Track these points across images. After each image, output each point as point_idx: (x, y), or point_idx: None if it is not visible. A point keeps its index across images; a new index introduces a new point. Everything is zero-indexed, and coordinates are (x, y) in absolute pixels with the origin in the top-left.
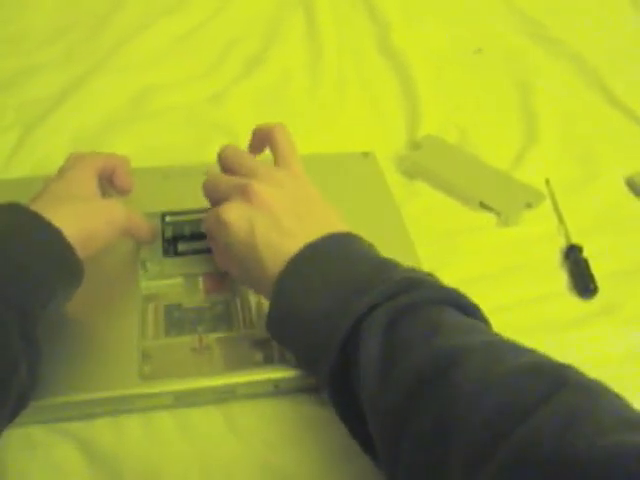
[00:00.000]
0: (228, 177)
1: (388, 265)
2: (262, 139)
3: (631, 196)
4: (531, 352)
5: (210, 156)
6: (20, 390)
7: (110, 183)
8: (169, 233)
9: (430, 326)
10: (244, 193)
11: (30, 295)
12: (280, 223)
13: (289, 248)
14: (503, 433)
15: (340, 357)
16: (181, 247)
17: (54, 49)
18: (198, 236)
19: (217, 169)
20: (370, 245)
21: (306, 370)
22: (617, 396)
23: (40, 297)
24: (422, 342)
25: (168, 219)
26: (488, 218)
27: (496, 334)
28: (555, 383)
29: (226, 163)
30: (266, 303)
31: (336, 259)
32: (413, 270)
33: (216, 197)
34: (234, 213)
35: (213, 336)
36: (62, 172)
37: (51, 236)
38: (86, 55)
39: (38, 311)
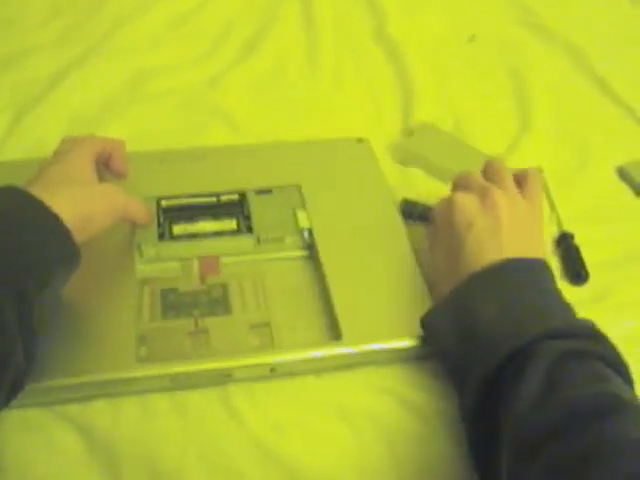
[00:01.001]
0: (482, 178)
1: (565, 304)
2: (517, 180)
3: (622, 185)
4: None
5: (206, 140)
6: (16, 374)
7: (106, 167)
8: (164, 217)
9: (595, 374)
10: (483, 192)
11: (26, 279)
12: (499, 233)
13: (492, 258)
14: None
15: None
16: (176, 231)
17: (50, 31)
18: (193, 220)
19: None
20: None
21: (450, 368)
22: None
23: (36, 281)
24: (586, 382)
25: (164, 203)
26: None
27: None
28: None
29: (488, 172)
30: (266, 287)
31: (526, 282)
32: (585, 320)
33: (461, 186)
34: (464, 198)
35: (210, 319)
36: (59, 155)
37: (48, 220)
38: (82, 37)
39: (34, 295)
